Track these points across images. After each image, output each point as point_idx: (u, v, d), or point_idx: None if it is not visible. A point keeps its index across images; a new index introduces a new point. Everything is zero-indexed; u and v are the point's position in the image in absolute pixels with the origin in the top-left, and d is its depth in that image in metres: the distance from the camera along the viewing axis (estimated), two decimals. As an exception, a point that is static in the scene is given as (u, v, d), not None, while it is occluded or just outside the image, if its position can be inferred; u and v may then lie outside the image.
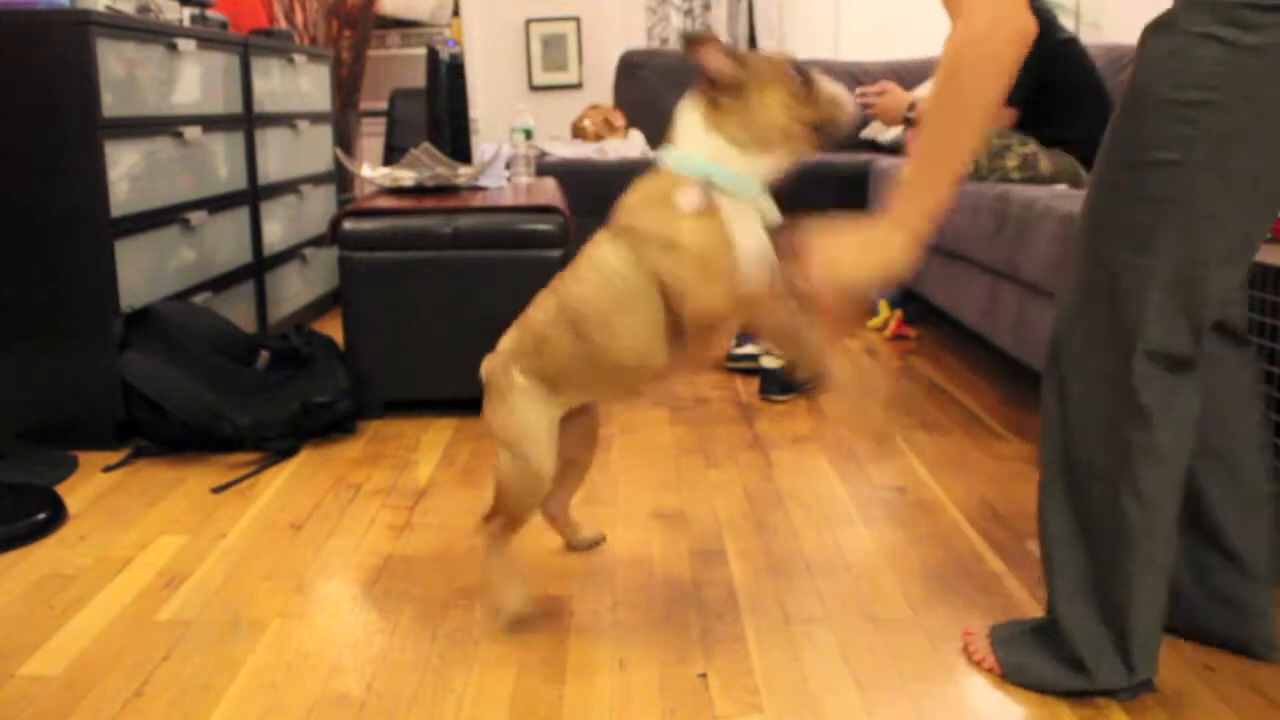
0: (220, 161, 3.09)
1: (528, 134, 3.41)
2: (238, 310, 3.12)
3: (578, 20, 5.15)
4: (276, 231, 3.50)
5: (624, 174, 4.10)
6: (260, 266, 3.34)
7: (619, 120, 4.56)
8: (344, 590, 1.78)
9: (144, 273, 2.59)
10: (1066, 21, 3.08)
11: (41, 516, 2.04)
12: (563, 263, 2.68)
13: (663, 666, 1.52)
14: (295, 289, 3.67)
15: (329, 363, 2.72)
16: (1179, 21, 1.21)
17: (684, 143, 1.50)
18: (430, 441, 2.55)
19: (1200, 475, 1.45)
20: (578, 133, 4.57)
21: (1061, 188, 2.79)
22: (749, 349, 3.11)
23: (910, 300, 3.75)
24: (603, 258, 1.53)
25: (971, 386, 2.99)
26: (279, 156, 3.54)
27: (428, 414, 2.75)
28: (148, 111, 2.64)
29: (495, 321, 2.70)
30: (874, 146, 4.55)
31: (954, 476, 2.27)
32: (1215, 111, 1.18)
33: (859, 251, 1.37)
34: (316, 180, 3.91)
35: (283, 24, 4.71)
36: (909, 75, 4.54)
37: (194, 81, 2.91)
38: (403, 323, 2.67)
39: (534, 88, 5.24)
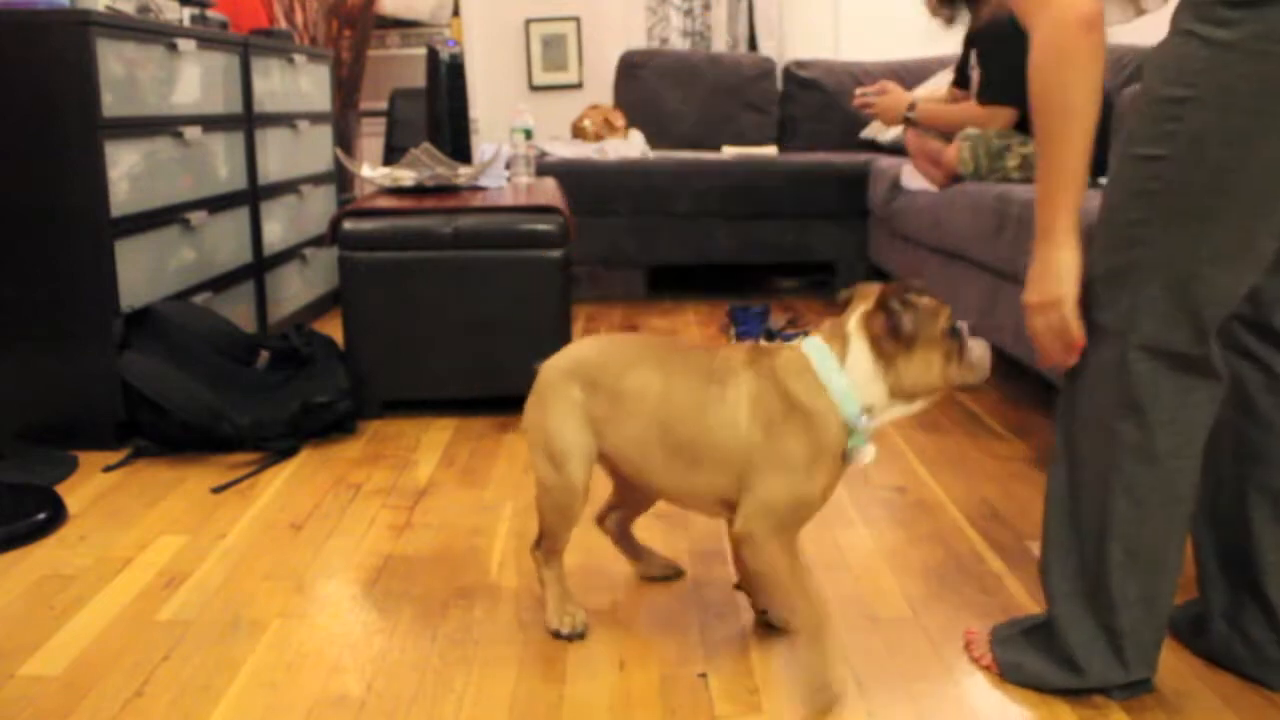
0: (220, 161, 3.09)
1: (528, 134, 3.41)
2: (238, 310, 3.12)
3: (578, 20, 5.15)
4: (276, 231, 3.50)
5: (624, 174, 4.14)
6: (260, 266, 3.34)
7: (619, 120, 4.56)
8: (344, 590, 1.78)
9: (144, 273, 2.59)
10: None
11: (41, 516, 2.04)
12: (563, 263, 2.69)
13: (663, 666, 1.53)
14: (295, 289, 3.67)
15: (329, 363, 2.72)
16: (1174, 19, 1.23)
17: (852, 373, 1.42)
18: (430, 441, 2.55)
19: (1251, 510, 1.42)
20: (578, 133, 4.57)
21: (1061, 188, 2.78)
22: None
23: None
24: (734, 405, 1.44)
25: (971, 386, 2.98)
26: (279, 156, 3.54)
27: (428, 414, 2.75)
28: (148, 111, 2.64)
29: (495, 321, 2.72)
30: (874, 146, 4.55)
31: (954, 476, 2.27)
32: (1195, 107, 1.19)
33: (1039, 284, 1.35)
34: (316, 180, 3.91)
35: (283, 24, 4.71)
36: (909, 75, 4.55)
37: (194, 81, 2.91)
38: (403, 323, 2.67)
39: (534, 88, 5.24)
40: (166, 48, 2.74)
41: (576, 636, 1.59)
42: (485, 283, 2.66)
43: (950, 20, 3.20)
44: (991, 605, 1.68)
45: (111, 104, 2.44)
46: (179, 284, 2.77)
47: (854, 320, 1.44)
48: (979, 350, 1.48)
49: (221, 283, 3.03)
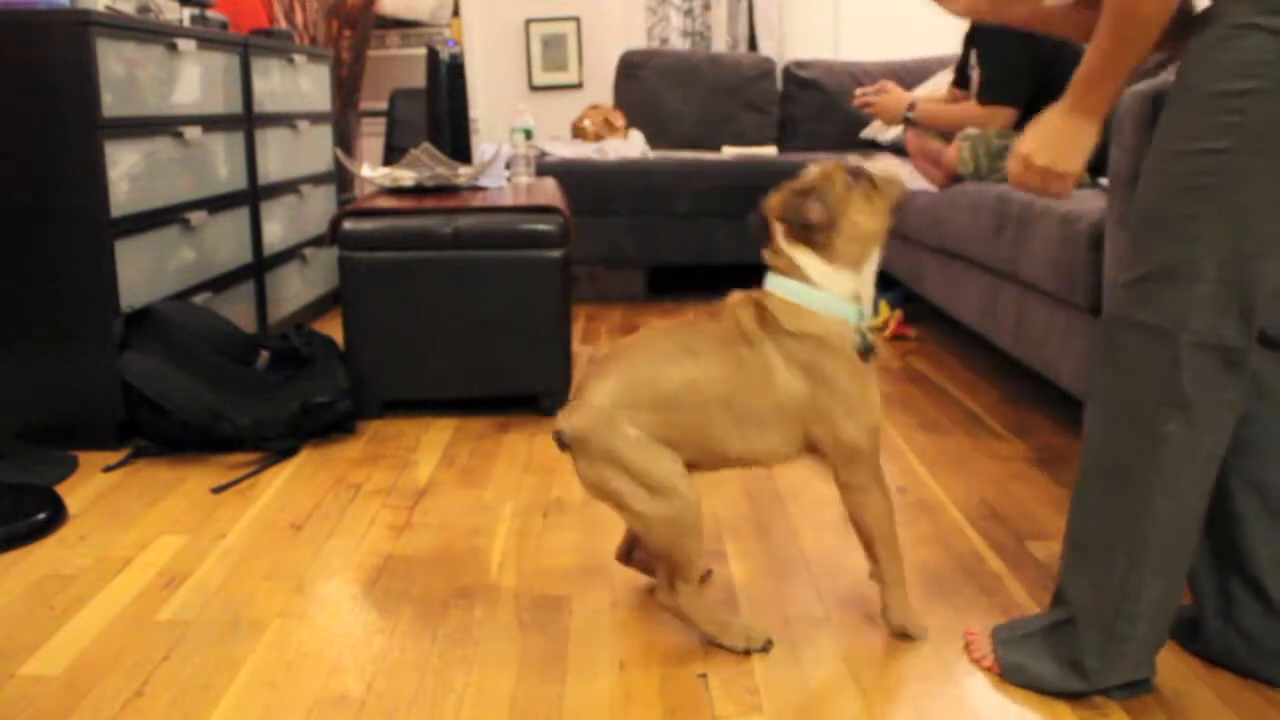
0: (220, 161, 3.09)
1: (528, 134, 3.41)
2: (238, 310, 3.12)
3: (578, 20, 5.14)
4: (276, 231, 3.50)
5: (624, 174, 4.14)
6: (260, 266, 3.34)
7: (619, 120, 4.56)
8: (344, 590, 1.78)
9: (144, 273, 2.59)
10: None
11: (41, 516, 2.04)
12: (563, 263, 2.69)
13: (663, 666, 1.53)
14: (295, 289, 3.67)
15: (329, 363, 2.72)
16: (1220, 14, 1.22)
17: (818, 280, 1.53)
18: (430, 441, 2.55)
19: (1239, 504, 1.42)
20: (578, 133, 4.57)
21: (1061, 188, 2.78)
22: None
23: (910, 300, 3.75)
24: (770, 364, 1.51)
25: (971, 386, 2.99)
26: (279, 156, 3.54)
27: (428, 414, 2.75)
28: (148, 111, 2.64)
29: (495, 321, 2.72)
30: (874, 146, 4.55)
31: (954, 476, 2.27)
32: (1260, 99, 1.20)
33: (1057, 148, 1.39)
34: (316, 180, 3.91)
35: (283, 24, 4.71)
36: (909, 75, 4.55)
37: (194, 81, 2.91)
38: (403, 323, 2.67)
39: (534, 88, 5.24)
40: (166, 48, 2.74)
41: (771, 645, 1.56)
42: (485, 283, 2.66)
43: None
44: (991, 605, 1.68)
45: (111, 104, 2.44)
46: (179, 284, 2.77)
47: (781, 241, 1.54)
48: (880, 168, 1.55)
49: (221, 283, 3.03)
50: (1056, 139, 1.38)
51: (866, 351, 1.54)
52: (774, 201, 1.56)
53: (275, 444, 2.44)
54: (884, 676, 1.50)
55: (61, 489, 2.22)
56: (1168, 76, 1.64)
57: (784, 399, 1.51)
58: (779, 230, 1.54)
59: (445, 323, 2.67)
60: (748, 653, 1.55)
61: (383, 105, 5.06)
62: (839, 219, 1.51)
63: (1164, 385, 1.30)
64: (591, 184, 4.09)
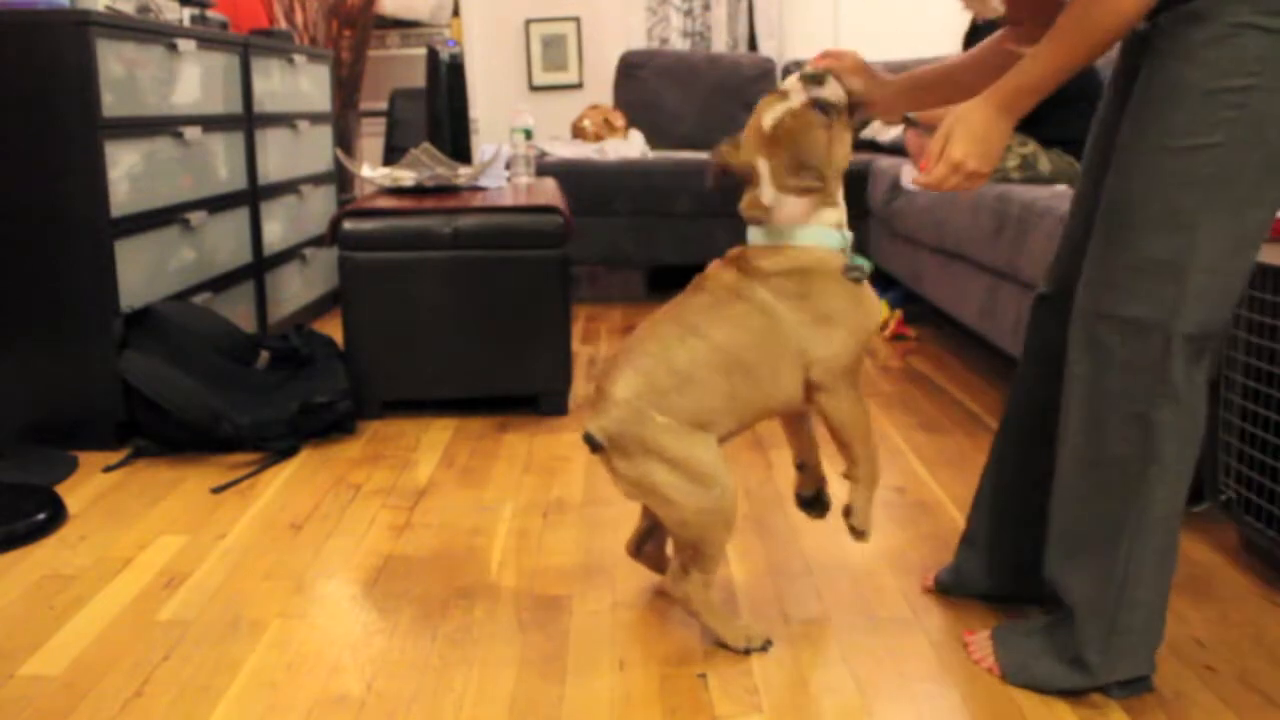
0: (220, 161, 3.09)
1: (528, 134, 3.41)
2: (238, 310, 3.12)
3: (578, 20, 5.14)
4: (276, 231, 3.50)
5: (624, 174, 4.14)
6: (260, 266, 3.34)
7: (619, 120, 4.56)
8: (344, 590, 1.78)
9: (144, 273, 2.59)
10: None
11: (41, 516, 2.04)
12: (562, 263, 2.69)
13: (663, 666, 1.53)
14: (295, 289, 3.67)
15: (329, 363, 2.72)
16: (1215, 14, 1.24)
17: (798, 216, 1.54)
18: (430, 441, 2.55)
19: (1041, 449, 1.51)
20: (578, 133, 4.57)
21: (1061, 188, 2.79)
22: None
23: (910, 300, 3.75)
24: (766, 306, 1.53)
25: (971, 386, 2.99)
26: (279, 156, 3.54)
27: (428, 414, 2.75)
28: (148, 111, 2.64)
29: (495, 321, 2.72)
30: (874, 146, 4.55)
31: (954, 476, 2.27)
32: (1259, 94, 1.24)
33: (983, 148, 1.42)
34: (316, 180, 3.91)
35: (283, 24, 4.71)
36: (909, 75, 4.54)
37: (194, 81, 2.91)
38: (403, 323, 2.67)
39: (534, 88, 5.24)
40: (166, 48, 2.74)
41: (769, 645, 1.57)
42: (485, 283, 2.66)
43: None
44: (991, 606, 1.68)
45: (111, 104, 2.44)
46: (179, 284, 2.77)
47: (767, 192, 1.53)
48: (838, 91, 1.53)
49: (221, 283, 3.03)
50: (986, 142, 1.40)
51: (857, 273, 1.55)
52: (748, 153, 1.54)
53: (275, 444, 2.44)
54: (884, 676, 1.50)
55: (61, 489, 2.22)
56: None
57: (788, 335, 1.52)
58: (765, 181, 1.53)
59: (445, 323, 2.67)
60: (747, 652, 1.55)
61: (383, 105, 5.06)
62: (826, 171, 1.52)
63: (1155, 376, 1.32)
64: (591, 184, 4.10)
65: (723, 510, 1.50)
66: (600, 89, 5.07)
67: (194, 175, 2.91)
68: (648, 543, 1.74)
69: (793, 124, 1.51)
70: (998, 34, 1.57)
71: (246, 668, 1.54)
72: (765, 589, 1.76)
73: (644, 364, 1.52)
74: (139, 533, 2.02)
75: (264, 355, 2.79)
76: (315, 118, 3.90)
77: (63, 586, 1.80)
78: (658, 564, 1.75)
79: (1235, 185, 1.27)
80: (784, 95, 1.54)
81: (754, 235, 1.58)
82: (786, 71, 4.89)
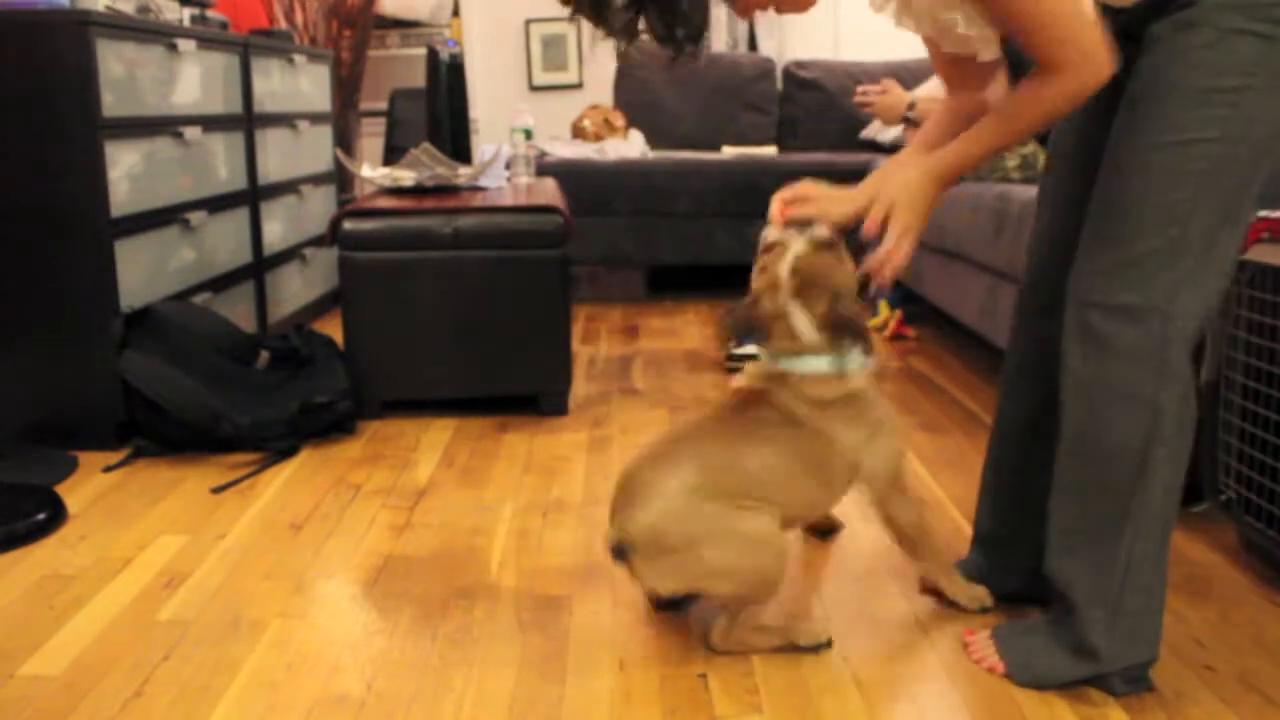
0: (220, 161, 3.09)
1: (528, 134, 3.41)
2: (238, 310, 3.12)
3: (578, 20, 5.13)
4: (276, 231, 3.50)
5: (624, 174, 4.14)
6: (260, 266, 3.34)
7: (619, 120, 4.56)
8: (344, 590, 1.78)
9: (144, 273, 2.59)
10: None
11: (41, 516, 2.04)
12: (562, 263, 2.69)
13: (663, 666, 1.53)
14: (295, 289, 3.67)
15: (329, 363, 2.72)
16: (1208, 19, 1.30)
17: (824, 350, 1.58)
18: (430, 441, 2.55)
19: (1042, 446, 1.53)
20: (578, 133, 4.57)
21: (1061, 188, 2.79)
22: (749, 349, 3.11)
23: (910, 300, 3.75)
24: (825, 432, 1.56)
25: (971, 386, 2.99)
26: (279, 156, 3.54)
27: (428, 414, 2.75)
28: (148, 111, 2.64)
29: (495, 321, 2.72)
30: (874, 146, 4.55)
31: (954, 476, 2.27)
32: (1252, 94, 1.30)
33: (927, 218, 1.49)
34: (316, 180, 3.91)
35: (283, 24, 4.71)
36: (909, 75, 4.54)
37: (194, 81, 2.91)
38: (403, 323, 2.67)
39: (534, 88, 5.24)
40: (166, 48, 2.74)
41: (830, 641, 1.57)
42: (485, 283, 2.66)
43: None
44: (995, 606, 1.68)
45: (111, 104, 2.44)
46: (179, 284, 2.77)
47: (805, 330, 1.55)
48: (823, 229, 1.57)
49: (221, 283, 3.03)
50: (928, 209, 1.48)
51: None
52: (772, 303, 1.57)
53: (275, 444, 2.44)
54: (884, 676, 1.50)
55: (61, 489, 2.22)
56: None
57: (845, 454, 1.57)
58: (801, 322, 1.55)
59: (445, 322, 2.67)
60: (818, 649, 1.56)
61: (383, 105, 5.06)
62: (851, 290, 1.58)
63: (1156, 362, 1.35)
64: (591, 184, 4.10)
65: (775, 566, 1.51)
66: (600, 89, 5.07)
67: (194, 175, 2.91)
68: None
69: (810, 263, 1.56)
70: (940, 109, 1.65)
71: (246, 668, 1.54)
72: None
73: (705, 461, 1.53)
74: (139, 533, 2.02)
75: (264, 355, 2.79)
76: (315, 118, 3.90)
77: (63, 586, 1.80)
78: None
79: (1225, 178, 1.32)
80: (784, 245, 1.58)
81: (789, 362, 1.58)
82: (787, 71, 4.90)
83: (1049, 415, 1.50)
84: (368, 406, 2.70)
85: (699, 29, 1.36)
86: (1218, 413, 1.81)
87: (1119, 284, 1.36)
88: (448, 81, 3.36)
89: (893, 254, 1.46)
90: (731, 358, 3.15)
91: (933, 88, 4.02)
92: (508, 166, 3.34)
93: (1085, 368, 1.40)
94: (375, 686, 1.49)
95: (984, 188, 2.88)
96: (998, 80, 1.56)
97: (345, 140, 4.84)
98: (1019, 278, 2.53)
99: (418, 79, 4.24)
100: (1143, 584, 1.40)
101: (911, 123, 3.35)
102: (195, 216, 2.87)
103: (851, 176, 4.12)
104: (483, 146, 3.65)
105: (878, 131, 4.52)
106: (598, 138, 4.48)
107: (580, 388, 2.99)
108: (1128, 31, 1.39)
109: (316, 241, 3.81)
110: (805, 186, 1.60)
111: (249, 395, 2.58)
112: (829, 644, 1.57)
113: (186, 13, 3.11)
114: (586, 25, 1.41)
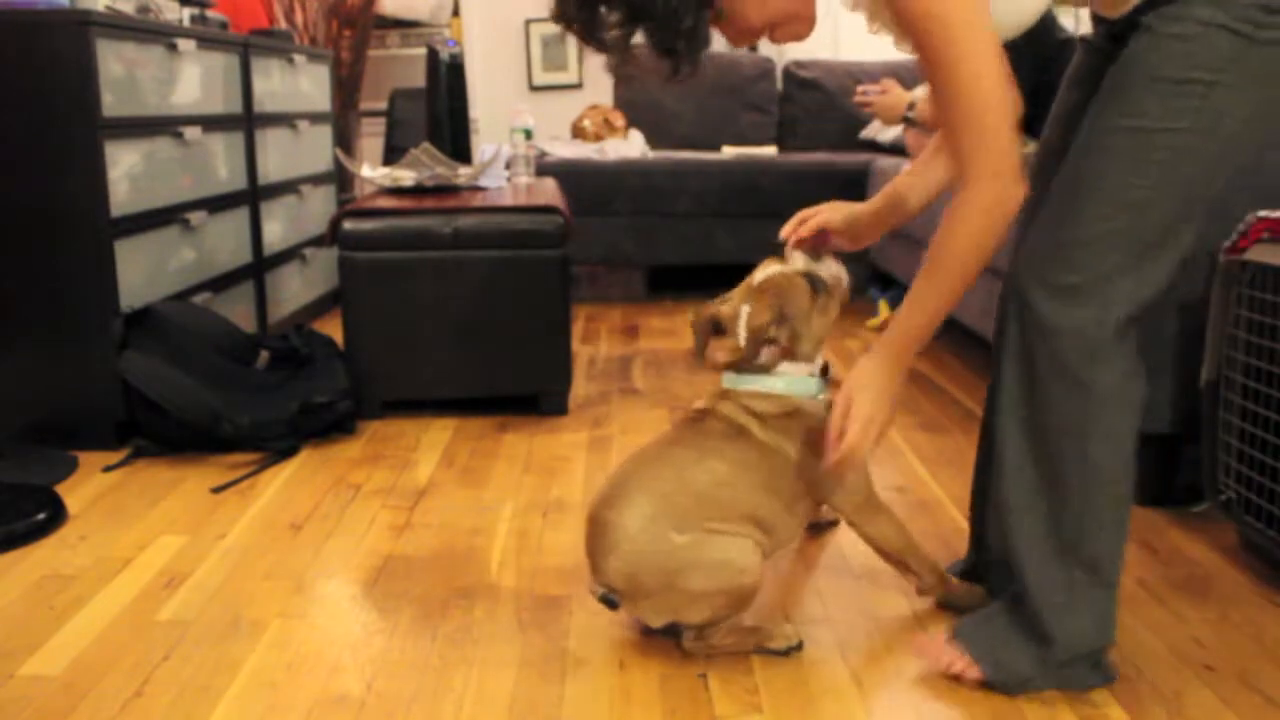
0: (220, 161, 3.09)
1: (528, 134, 3.41)
2: (238, 310, 3.12)
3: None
4: (276, 231, 3.50)
5: (624, 174, 4.14)
6: (260, 266, 3.34)
7: (619, 120, 4.56)
8: (344, 590, 1.78)
9: (144, 273, 2.59)
10: (1066, 22, 3.08)
11: (41, 516, 2.04)
12: (563, 263, 2.69)
13: (663, 666, 1.53)
14: (295, 289, 3.67)
15: (329, 363, 2.72)
16: (1184, 13, 1.31)
17: (788, 373, 1.60)
18: (430, 441, 2.55)
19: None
20: (578, 133, 4.57)
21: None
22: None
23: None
24: (772, 447, 1.57)
25: (971, 386, 2.99)
26: (279, 156, 3.54)
27: (428, 414, 2.75)
28: (148, 111, 2.64)
29: (495, 321, 2.72)
30: (874, 146, 4.55)
31: (954, 476, 2.27)
32: (1222, 90, 1.30)
33: (886, 401, 1.46)
34: (316, 180, 3.91)
35: (283, 24, 4.71)
36: (909, 75, 4.54)
37: (194, 81, 2.91)
38: (403, 323, 2.67)
39: (534, 88, 5.24)
40: (166, 48, 2.74)
41: (801, 644, 1.57)
42: (485, 282, 2.66)
43: None
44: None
45: (111, 104, 2.44)
46: (179, 284, 2.77)
47: (747, 347, 1.56)
48: (828, 271, 1.62)
49: (221, 283, 3.03)
50: (887, 393, 1.46)
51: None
52: (733, 303, 1.59)
53: (275, 444, 2.44)
54: (884, 676, 1.50)
55: (61, 489, 2.22)
56: None
57: (799, 472, 1.58)
58: (741, 325, 1.57)
59: (445, 322, 2.67)
60: (787, 652, 1.55)
61: (383, 105, 5.06)
62: (803, 332, 1.58)
63: (1091, 343, 1.36)
64: (591, 184, 4.09)
65: (753, 585, 1.51)
66: (600, 89, 5.07)
67: (194, 175, 2.91)
68: None
69: (782, 281, 1.58)
70: (932, 144, 1.68)
71: (246, 668, 1.54)
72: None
73: (656, 488, 1.52)
74: (139, 533, 2.02)
75: (264, 355, 2.79)
76: (315, 118, 3.90)
77: (63, 586, 1.80)
78: None
79: (1188, 171, 1.33)
80: (784, 261, 1.61)
81: (732, 380, 1.61)
82: (786, 71, 4.90)
83: None
84: (368, 406, 2.70)
85: (701, 44, 1.36)
86: (1218, 413, 1.81)
87: (1064, 265, 1.37)
88: (448, 81, 3.36)
89: (855, 448, 1.43)
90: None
91: (933, 88, 4.01)
92: (508, 166, 3.34)
93: (1017, 346, 1.42)
94: (375, 686, 1.49)
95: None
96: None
97: (345, 140, 4.84)
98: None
99: (418, 79, 4.24)
100: (1086, 559, 1.40)
101: (911, 123, 3.35)
102: (195, 216, 2.87)
103: (851, 176, 4.16)
104: (483, 146, 3.64)
105: (878, 131, 4.52)
106: (598, 138, 4.48)
107: (580, 388, 2.99)
108: (1117, 35, 1.39)
109: (316, 241, 3.81)
110: (829, 207, 1.64)
111: (249, 395, 2.58)
112: (800, 646, 1.56)
113: (186, 13, 3.11)
114: (586, 26, 1.39)
